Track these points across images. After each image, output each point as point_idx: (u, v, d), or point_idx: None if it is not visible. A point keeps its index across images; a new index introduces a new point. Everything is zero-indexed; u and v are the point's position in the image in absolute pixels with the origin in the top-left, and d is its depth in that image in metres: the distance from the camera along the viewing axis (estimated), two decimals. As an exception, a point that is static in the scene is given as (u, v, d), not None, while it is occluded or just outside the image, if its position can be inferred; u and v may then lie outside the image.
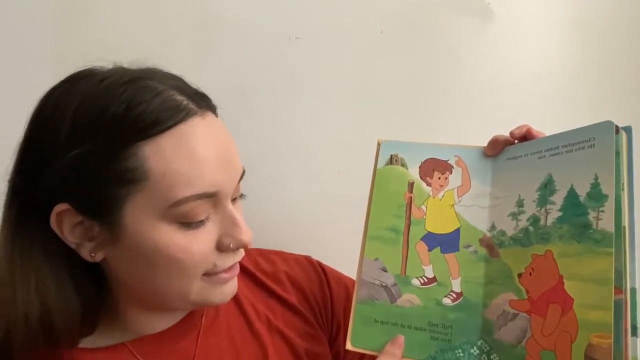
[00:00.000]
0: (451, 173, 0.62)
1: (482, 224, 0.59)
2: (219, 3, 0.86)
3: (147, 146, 0.47)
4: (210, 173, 0.49)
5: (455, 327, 0.56)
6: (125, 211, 0.49)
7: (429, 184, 0.63)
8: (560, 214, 0.52)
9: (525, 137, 0.58)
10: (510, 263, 0.55)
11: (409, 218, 0.62)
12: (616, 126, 0.51)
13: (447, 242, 0.60)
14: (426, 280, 0.59)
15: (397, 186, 0.63)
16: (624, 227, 0.48)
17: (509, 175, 0.59)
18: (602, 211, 0.49)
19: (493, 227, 0.58)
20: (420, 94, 0.94)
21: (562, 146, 0.54)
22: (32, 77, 0.72)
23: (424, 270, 0.60)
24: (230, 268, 0.54)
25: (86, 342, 0.55)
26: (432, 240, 0.60)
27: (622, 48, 1.00)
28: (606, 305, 0.46)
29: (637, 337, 0.46)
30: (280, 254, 0.75)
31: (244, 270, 0.68)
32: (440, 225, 0.61)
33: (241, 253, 0.56)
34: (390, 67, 0.93)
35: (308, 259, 0.74)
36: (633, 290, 0.47)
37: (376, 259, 0.61)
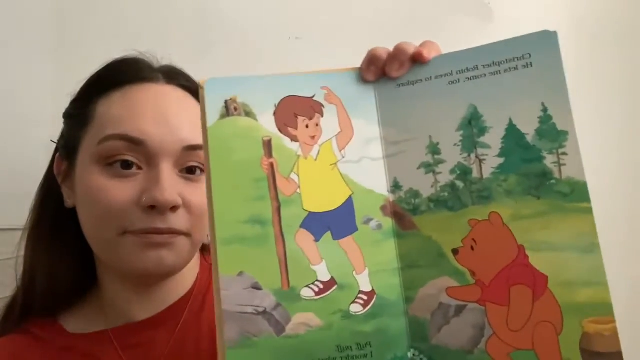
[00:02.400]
0: (322, 115, 0.42)
1: (381, 184, 0.41)
2: (219, 3, 0.88)
3: (103, 97, 0.55)
4: (138, 121, 0.53)
5: (375, 343, 0.39)
6: (80, 152, 0.55)
7: (294, 138, 0.41)
8: (501, 160, 0.38)
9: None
10: (437, 236, 0.40)
11: (275, 197, 0.40)
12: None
13: (339, 222, 0.40)
14: (321, 286, 0.39)
15: (246, 150, 0.40)
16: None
17: (406, 108, 0.41)
18: (564, 153, 0.36)
19: (397, 185, 0.41)
20: None
21: (484, 66, 0.40)
22: (32, 77, 0.77)
23: (315, 272, 0.39)
24: (152, 231, 0.51)
25: (75, 326, 0.59)
26: (318, 224, 0.40)
27: (622, 48, 1.02)
28: (598, 278, 0.35)
29: None
30: None
31: None
32: (324, 198, 0.41)
33: (169, 221, 0.51)
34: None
35: None
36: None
37: (240, 274, 0.38)
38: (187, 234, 0.53)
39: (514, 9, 0.99)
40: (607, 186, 0.98)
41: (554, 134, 0.37)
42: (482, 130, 0.39)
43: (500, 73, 0.39)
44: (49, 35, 0.81)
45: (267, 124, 0.41)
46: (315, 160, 0.41)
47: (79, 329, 0.58)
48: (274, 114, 0.41)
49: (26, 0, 0.79)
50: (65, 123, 0.59)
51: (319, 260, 0.39)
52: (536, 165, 0.37)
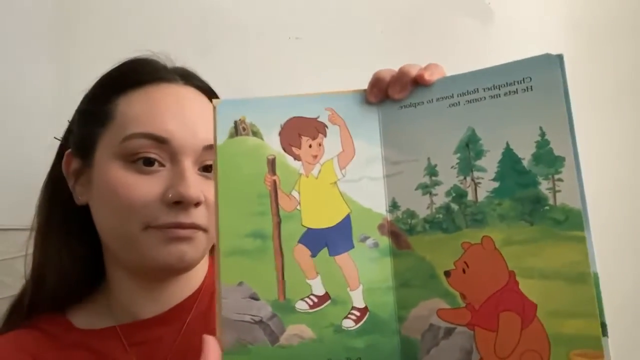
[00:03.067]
0: (325, 136, 0.43)
1: (379, 203, 0.42)
2: (219, 3, 0.87)
3: (122, 96, 0.57)
4: (162, 120, 0.54)
5: (366, 359, 0.40)
6: (97, 150, 0.56)
7: (297, 157, 0.43)
8: (496, 184, 0.38)
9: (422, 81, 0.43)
10: (430, 257, 0.40)
11: (276, 213, 0.42)
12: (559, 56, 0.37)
13: (335, 239, 0.42)
14: (316, 300, 0.41)
15: (252, 167, 0.42)
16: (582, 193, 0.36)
17: (407, 129, 0.42)
18: (560, 180, 0.36)
19: (395, 205, 0.42)
20: None
21: (484, 89, 0.39)
22: (32, 77, 0.77)
23: (310, 286, 0.41)
24: (174, 226, 0.53)
25: (84, 322, 0.60)
26: (315, 239, 0.42)
27: (622, 48, 1.00)
28: (588, 310, 0.34)
29: (607, 336, 0.35)
30: None
31: None
32: (322, 215, 0.42)
33: (192, 216, 0.53)
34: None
35: None
36: (595, 276, 0.36)
37: (240, 284, 0.40)
38: (205, 230, 0.55)
39: (515, 9, 0.98)
40: (606, 186, 0.98)
41: (550, 159, 0.36)
42: (479, 154, 0.39)
43: (500, 96, 0.39)
44: (49, 35, 0.81)
45: (272, 143, 0.43)
46: (317, 178, 0.42)
47: (87, 325, 0.59)
48: (279, 134, 0.43)
49: (26, 1, 0.80)
50: (79, 120, 0.59)
51: (315, 274, 0.41)
52: (531, 190, 0.37)
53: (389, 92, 0.43)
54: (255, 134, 0.43)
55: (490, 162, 0.38)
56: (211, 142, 0.50)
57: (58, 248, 0.59)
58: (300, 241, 0.41)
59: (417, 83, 0.42)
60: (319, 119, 0.43)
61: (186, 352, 0.58)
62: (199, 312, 0.60)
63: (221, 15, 0.87)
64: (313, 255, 0.41)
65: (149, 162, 0.53)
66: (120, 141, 0.53)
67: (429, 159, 0.41)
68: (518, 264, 0.36)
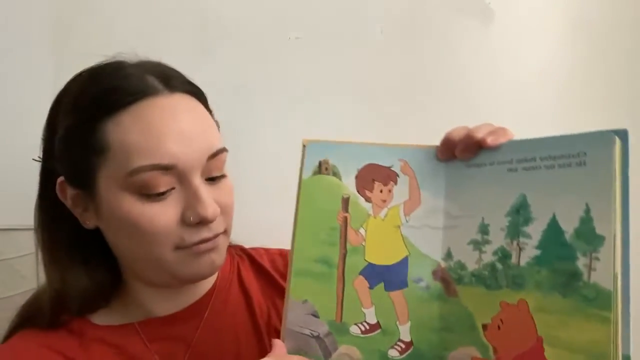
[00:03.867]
0: (396, 184, 0.48)
1: (435, 251, 0.46)
2: (219, 3, 0.85)
3: (109, 122, 0.53)
4: (164, 146, 0.52)
5: None
6: (99, 181, 0.54)
7: (368, 199, 0.48)
8: (538, 252, 0.40)
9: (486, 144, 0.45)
10: (472, 308, 0.43)
11: (344, 246, 0.48)
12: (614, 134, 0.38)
13: (392, 277, 0.47)
14: (368, 327, 0.47)
15: (328, 203, 0.49)
16: (615, 275, 0.37)
17: (469, 188, 0.45)
18: (597, 258, 0.37)
19: (449, 255, 0.46)
20: (420, 94, 0.93)
21: (541, 158, 0.41)
22: (32, 77, 0.76)
23: (364, 314, 0.47)
24: (202, 241, 0.54)
25: (103, 319, 0.60)
26: (374, 274, 0.47)
27: (622, 48, 1.00)
28: None
29: None
30: None
31: (258, 267, 0.68)
32: (383, 254, 0.47)
33: (213, 228, 0.55)
34: (390, 66, 0.92)
35: None
36: (625, 358, 0.36)
37: (304, 302, 0.48)
38: (224, 232, 0.57)
39: (515, 9, 0.96)
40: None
41: (591, 236, 0.37)
42: (527, 220, 0.41)
43: (554, 167, 0.40)
44: (48, 35, 0.79)
45: (349, 184, 0.49)
46: (383, 220, 0.48)
47: (105, 322, 0.60)
48: (356, 177, 0.49)
49: (26, 1, 0.78)
50: (65, 148, 0.55)
51: (370, 305, 0.47)
52: (568, 263, 0.38)
53: (456, 152, 0.46)
54: (335, 174, 0.50)
55: (535, 230, 0.40)
56: (214, 149, 0.55)
57: (73, 270, 0.57)
58: (361, 273, 0.47)
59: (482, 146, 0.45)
60: (392, 168, 0.48)
61: (206, 348, 0.60)
62: (215, 308, 0.62)
63: (221, 15, 0.86)
64: (370, 288, 0.47)
65: (162, 193, 0.53)
66: (126, 175, 0.52)
67: (483, 218, 0.44)
68: (547, 331, 0.38)
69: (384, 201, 0.48)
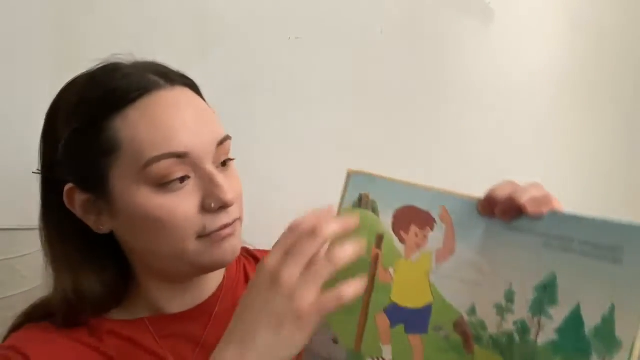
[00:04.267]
0: (432, 230, 0.48)
1: (460, 304, 0.46)
2: (220, 3, 0.85)
3: (117, 119, 0.54)
4: (176, 135, 0.54)
5: None
6: (112, 181, 0.55)
7: (402, 240, 0.49)
8: (556, 337, 0.39)
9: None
10: None
11: (372, 281, 0.49)
12: None
13: (414, 320, 0.47)
14: None
15: (363, 236, 0.49)
16: None
17: (503, 249, 0.44)
18: None
19: (473, 310, 0.45)
20: (420, 94, 0.93)
21: (579, 242, 0.39)
22: (31, 77, 0.77)
23: (382, 349, 0.48)
24: (223, 227, 0.55)
25: (114, 314, 0.61)
26: (397, 314, 0.48)
27: (622, 48, 0.99)
28: None
29: None
30: None
31: None
32: (409, 296, 0.48)
33: (231, 214, 0.56)
34: (389, 66, 0.92)
35: None
36: None
37: (327, 326, 0.50)
38: (239, 218, 0.58)
39: (515, 9, 0.96)
40: (604, 184, 0.99)
41: (609, 338, 0.35)
42: (552, 301, 0.39)
43: (590, 256, 0.38)
44: (48, 35, 0.79)
45: (385, 222, 0.49)
46: (414, 263, 0.48)
47: (116, 317, 0.61)
48: (394, 216, 0.49)
49: (26, 0, 0.78)
50: (70, 154, 0.56)
51: (388, 342, 0.48)
52: (582, 358, 0.36)
53: (496, 212, 0.44)
54: (374, 210, 0.50)
55: (558, 314, 0.39)
56: (221, 136, 0.56)
57: (87, 274, 0.58)
58: (384, 310, 0.48)
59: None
60: (431, 213, 0.48)
61: (213, 346, 0.60)
62: (224, 308, 0.63)
63: (221, 15, 0.85)
64: (391, 326, 0.48)
65: (180, 181, 0.54)
66: (141, 168, 0.53)
67: (511, 284, 0.42)
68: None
69: (418, 245, 0.48)
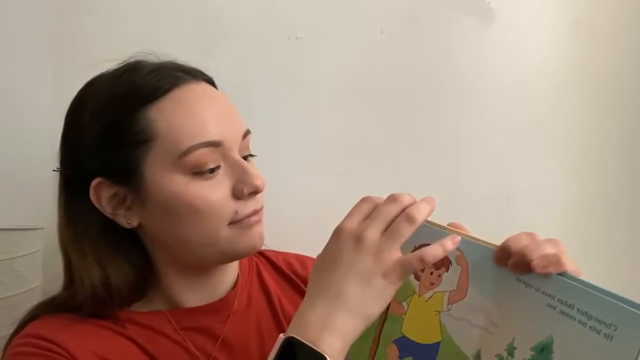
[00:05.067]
0: (447, 271, 0.50)
1: (467, 346, 0.48)
2: (220, 3, 0.85)
3: (151, 110, 0.56)
4: (210, 124, 0.56)
5: None
6: (145, 170, 0.56)
7: (417, 277, 0.51)
8: None
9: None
10: None
11: (386, 312, 0.52)
12: None
13: (422, 355, 0.50)
14: None
15: None
16: None
17: (512, 300, 0.46)
18: None
19: (478, 355, 0.47)
20: (420, 94, 0.93)
21: (578, 310, 0.41)
22: (31, 77, 0.77)
23: None
24: (253, 213, 0.59)
25: (133, 306, 0.62)
26: (406, 346, 0.51)
27: (622, 48, 0.99)
28: None
29: None
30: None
31: (276, 268, 0.72)
32: (419, 332, 0.51)
33: (259, 201, 0.59)
34: (390, 66, 0.92)
35: None
36: None
37: None
38: (263, 207, 0.61)
39: (515, 9, 0.95)
40: (604, 185, 0.99)
41: None
42: None
43: (586, 326, 0.40)
44: (48, 35, 0.79)
45: None
46: (426, 301, 0.51)
47: (136, 309, 0.62)
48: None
49: (26, 1, 0.79)
50: (101, 148, 0.57)
51: None
52: None
53: (508, 264, 0.46)
54: None
55: None
56: (244, 130, 0.60)
57: (115, 261, 0.59)
58: (394, 341, 0.52)
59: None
60: (447, 255, 0.49)
61: (234, 341, 0.63)
62: (241, 304, 0.65)
63: (221, 15, 0.86)
64: (399, 357, 0.51)
65: (212, 170, 0.56)
66: (178, 157, 0.55)
67: (514, 338, 0.45)
68: None
69: (432, 284, 0.50)
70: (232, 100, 0.86)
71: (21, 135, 0.75)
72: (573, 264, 0.44)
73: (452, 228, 0.50)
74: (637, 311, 0.38)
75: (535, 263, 0.43)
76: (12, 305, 0.70)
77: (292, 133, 0.90)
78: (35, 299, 0.67)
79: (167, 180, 0.56)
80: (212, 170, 0.56)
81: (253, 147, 0.92)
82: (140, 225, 0.59)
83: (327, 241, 0.91)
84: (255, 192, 0.58)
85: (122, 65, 0.60)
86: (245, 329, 0.65)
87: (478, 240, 0.49)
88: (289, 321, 0.60)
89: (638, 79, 0.99)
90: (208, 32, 0.87)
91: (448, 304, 0.49)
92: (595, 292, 0.41)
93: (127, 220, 0.59)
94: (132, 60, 0.61)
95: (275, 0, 0.88)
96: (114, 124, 0.57)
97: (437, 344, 0.50)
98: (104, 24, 0.83)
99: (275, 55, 0.89)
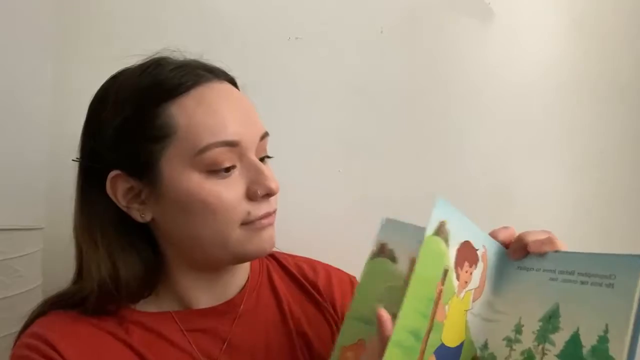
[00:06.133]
0: (476, 268, 0.50)
1: (478, 340, 0.50)
2: (220, 3, 0.85)
3: (172, 106, 0.56)
4: (230, 124, 0.57)
5: None
6: (162, 165, 0.57)
7: (458, 277, 0.48)
8: None
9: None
10: None
11: (432, 320, 0.46)
12: None
13: (451, 359, 0.48)
14: None
15: (435, 270, 0.47)
16: None
17: (514, 288, 0.51)
18: None
19: (486, 346, 0.50)
20: (420, 94, 0.92)
21: (579, 273, 0.46)
22: (31, 76, 0.76)
23: None
24: (266, 216, 0.59)
25: (140, 306, 0.62)
26: (445, 355, 0.47)
27: (622, 48, 0.99)
28: None
29: None
30: (326, 267, 0.75)
31: (286, 271, 0.72)
32: (452, 335, 0.48)
33: (272, 204, 0.60)
34: (390, 66, 0.92)
35: (352, 280, 0.74)
36: None
37: None
38: (276, 210, 0.61)
39: (515, 9, 0.95)
40: (605, 185, 0.98)
41: (604, 356, 0.41)
42: (555, 329, 0.46)
43: (587, 284, 0.44)
44: (48, 35, 0.79)
45: (452, 256, 0.48)
46: (460, 301, 0.49)
47: (143, 309, 0.62)
48: (458, 250, 0.49)
49: (26, 0, 0.77)
50: (120, 139, 0.57)
51: None
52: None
53: (507, 252, 0.52)
54: (446, 241, 0.47)
55: (560, 339, 0.45)
56: (263, 131, 0.60)
57: (126, 254, 0.59)
58: (434, 352, 0.47)
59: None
60: (478, 252, 0.50)
61: (241, 343, 0.63)
62: (249, 306, 0.65)
63: (221, 15, 0.86)
64: None
65: (227, 169, 0.56)
66: (195, 154, 0.55)
67: (520, 318, 0.49)
68: None
69: (466, 282, 0.49)
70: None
71: (21, 135, 0.75)
72: (564, 245, 0.49)
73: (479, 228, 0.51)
74: (632, 256, 0.42)
75: (532, 244, 0.49)
76: (11, 305, 0.70)
77: (291, 133, 0.90)
78: (35, 299, 0.66)
79: (182, 177, 0.56)
80: (227, 170, 0.57)
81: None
82: (153, 220, 0.59)
83: (326, 241, 0.91)
84: (269, 194, 0.58)
85: (147, 60, 0.61)
86: (253, 331, 0.65)
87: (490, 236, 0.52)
88: (296, 325, 0.66)
89: (638, 78, 1.00)
90: (208, 32, 0.87)
91: (472, 301, 0.50)
92: (590, 255, 0.45)
93: (141, 214, 0.59)
94: (157, 56, 0.61)
95: (275, 0, 0.88)
96: (135, 118, 0.57)
97: (462, 344, 0.49)
98: (104, 24, 0.83)
99: (275, 55, 0.89)
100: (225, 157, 0.56)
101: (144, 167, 0.57)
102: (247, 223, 0.58)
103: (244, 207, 0.57)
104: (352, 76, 0.92)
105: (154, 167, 0.57)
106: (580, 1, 0.97)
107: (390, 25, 0.91)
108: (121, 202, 0.59)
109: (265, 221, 0.59)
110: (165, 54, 0.62)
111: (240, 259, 0.61)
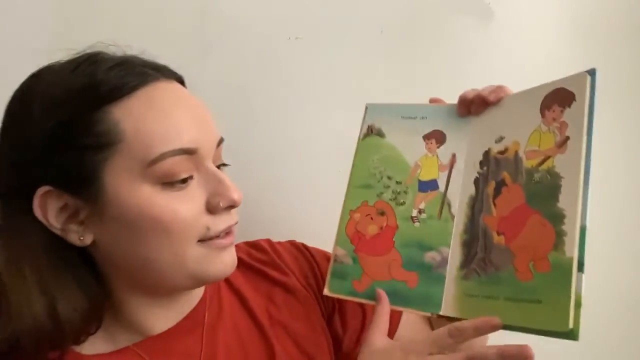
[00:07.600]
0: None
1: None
2: (219, 3, 0.85)
3: (115, 109, 0.49)
4: (185, 130, 0.50)
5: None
6: (105, 178, 0.49)
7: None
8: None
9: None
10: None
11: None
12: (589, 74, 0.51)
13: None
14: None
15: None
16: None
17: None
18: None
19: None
20: (419, 94, 0.89)
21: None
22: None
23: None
24: (226, 233, 0.53)
25: (90, 349, 0.54)
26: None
27: (622, 48, 0.99)
28: None
29: (583, 272, 0.47)
30: (268, 242, 0.72)
31: (240, 262, 0.64)
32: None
33: (233, 216, 0.54)
34: (390, 67, 0.93)
35: (293, 243, 0.72)
36: (583, 229, 0.50)
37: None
38: (237, 222, 0.55)
39: (515, 9, 0.96)
40: (606, 186, 0.91)
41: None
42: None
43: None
44: (48, 35, 0.78)
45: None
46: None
47: (95, 351, 0.54)
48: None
49: (26, 0, 0.77)
50: (55, 150, 0.48)
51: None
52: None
53: (472, 110, 0.61)
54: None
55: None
56: (219, 137, 0.55)
57: (63, 287, 0.50)
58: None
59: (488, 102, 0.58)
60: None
61: (215, 356, 0.57)
62: (213, 314, 0.60)
63: (221, 15, 0.86)
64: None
65: (184, 180, 0.50)
66: (147, 164, 0.48)
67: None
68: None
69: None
70: (232, 101, 0.87)
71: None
72: (509, 89, 0.62)
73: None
74: (579, 74, 0.57)
75: (489, 96, 0.58)
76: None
77: (291, 133, 0.90)
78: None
79: (132, 190, 0.48)
80: (184, 181, 0.50)
81: (253, 146, 0.92)
82: (94, 243, 0.51)
83: (326, 240, 0.92)
84: (232, 206, 0.52)
85: (77, 56, 0.52)
86: (224, 338, 0.60)
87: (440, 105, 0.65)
88: (267, 317, 0.63)
89: (639, 78, 1.00)
90: (208, 32, 0.86)
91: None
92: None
93: (80, 237, 0.50)
94: (89, 51, 0.53)
95: (275, 0, 0.88)
96: (69, 123, 0.48)
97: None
98: (104, 24, 0.82)
99: (275, 55, 0.89)
100: (181, 167, 0.49)
101: (82, 181, 0.49)
102: (206, 240, 0.52)
103: (203, 222, 0.51)
104: (352, 76, 0.92)
105: (94, 180, 0.49)
106: (580, 1, 0.98)
107: (390, 25, 0.92)
108: (53, 224, 0.50)
109: (225, 241, 0.53)
110: (99, 47, 0.54)
111: (199, 282, 0.55)
